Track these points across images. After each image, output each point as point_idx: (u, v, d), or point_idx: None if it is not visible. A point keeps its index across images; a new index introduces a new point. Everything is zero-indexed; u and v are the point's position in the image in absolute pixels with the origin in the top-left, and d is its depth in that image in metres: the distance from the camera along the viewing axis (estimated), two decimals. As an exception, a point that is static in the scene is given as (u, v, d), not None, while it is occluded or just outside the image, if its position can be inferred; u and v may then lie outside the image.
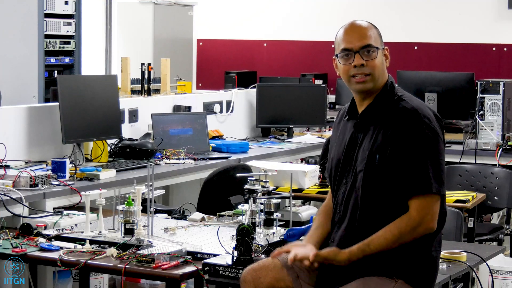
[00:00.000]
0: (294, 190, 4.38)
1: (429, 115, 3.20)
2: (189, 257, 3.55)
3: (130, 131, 5.88)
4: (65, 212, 4.28)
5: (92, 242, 3.78)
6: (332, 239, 3.31)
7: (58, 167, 4.73)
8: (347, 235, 3.24)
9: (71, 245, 3.77)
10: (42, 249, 3.76)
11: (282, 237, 3.77)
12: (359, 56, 3.23)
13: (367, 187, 3.18)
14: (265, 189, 3.86)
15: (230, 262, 3.42)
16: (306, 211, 5.13)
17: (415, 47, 8.72)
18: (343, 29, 3.29)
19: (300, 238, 3.76)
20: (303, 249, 3.25)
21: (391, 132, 3.17)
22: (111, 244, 3.72)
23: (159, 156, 5.60)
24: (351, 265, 3.18)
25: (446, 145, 6.60)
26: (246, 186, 3.83)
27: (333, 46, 3.35)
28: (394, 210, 3.15)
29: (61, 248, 3.75)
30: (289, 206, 4.07)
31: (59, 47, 7.70)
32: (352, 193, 3.23)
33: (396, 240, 3.12)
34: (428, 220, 3.13)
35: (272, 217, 3.84)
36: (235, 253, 3.41)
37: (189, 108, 6.43)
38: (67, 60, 7.79)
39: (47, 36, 7.51)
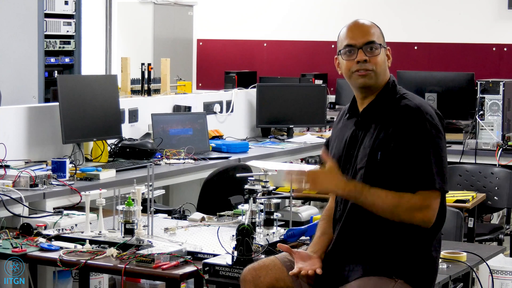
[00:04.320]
0: (294, 190, 4.38)
1: (431, 112, 3.20)
2: (189, 257, 3.55)
3: (130, 131, 5.88)
4: (65, 212, 4.28)
5: (92, 242, 3.78)
6: (335, 236, 3.31)
7: (58, 167, 4.74)
8: (346, 230, 3.24)
9: (71, 245, 3.77)
10: (42, 249, 3.76)
11: (282, 237, 3.77)
12: (362, 52, 3.24)
13: (367, 183, 3.17)
14: (265, 189, 3.86)
15: (230, 262, 3.42)
16: (306, 211, 5.14)
17: (415, 47, 8.72)
18: (346, 27, 3.31)
19: (301, 238, 3.76)
20: (308, 263, 3.24)
21: (393, 129, 3.17)
22: (111, 244, 3.73)
23: (159, 156, 5.60)
24: (350, 265, 3.19)
25: (447, 145, 6.60)
26: (246, 186, 3.83)
27: (333, 46, 3.36)
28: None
29: (61, 248, 3.75)
30: (289, 206, 4.07)
31: (59, 47, 7.70)
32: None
33: (391, 205, 3.09)
34: (428, 212, 3.11)
35: (272, 217, 3.84)
36: (235, 253, 3.41)
37: (189, 108, 6.43)
38: (67, 60, 7.80)
39: (47, 36, 7.51)
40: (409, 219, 3.12)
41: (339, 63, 3.32)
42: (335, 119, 3.52)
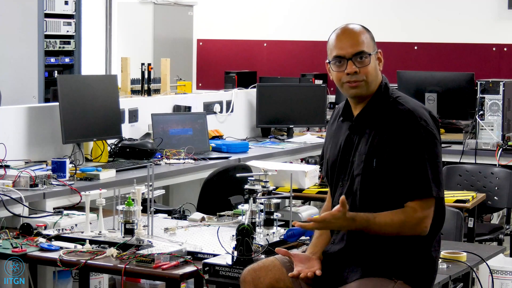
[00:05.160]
0: (294, 190, 4.38)
1: (426, 116, 3.18)
2: (189, 257, 3.56)
3: (130, 131, 5.89)
4: (65, 212, 4.28)
5: (92, 242, 3.78)
6: (333, 240, 3.31)
7: (58, 167, 4.74)
8: (348, 237, 3.23)
9: (71, 245, 3.77)
10: (42, 249, 3.76)
11: (282, 237, 3.77)
12: (351, 63, 3.21)
13: (365, 190, 3.17)
14: (265, 189, 3.86)
15: (230, 262, 3.42)
16: (306, 211, 5.12)
17: (415, 47, 8.72)
18: (335, 34, 3.27)
19: (301, 238, 3.76)
20: (307, 265, 3.24)
21: (387, 136, 3.16)
22: (111, 244, 3.73)
23: (159, 156, 5.60)
24: (350, 266, 3.19)
25: (446, 145, 6.61)
26: (246, 186, 3.83)
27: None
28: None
29: (61, 248, 3.75)
30: (289, 206, 4.07)
31: (59, 47, 7.70)
32: (349, 196, 3.21)
33: (398, 226, 3.10)
34: (426, 222, 3.13)
35: (272, 217, 3.84)
36: (235, 253, 3.41)
37: (189, 108, 6.43)
38: (67, 60, 7.80)
39: (47, 36, 7.51)
40: (411, 234, 3.13)
41: (330, 70, 3.30)
42: (329, 119, 3.51)
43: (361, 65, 3.21)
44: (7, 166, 4.68)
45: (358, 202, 3.19)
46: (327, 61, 3.28)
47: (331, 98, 8.52)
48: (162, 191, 4.22)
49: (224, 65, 9.35)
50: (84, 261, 3.58)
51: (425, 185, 3.11)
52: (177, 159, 5.58)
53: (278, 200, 3.89)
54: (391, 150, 3.14)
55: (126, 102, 5.98)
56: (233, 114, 6.98)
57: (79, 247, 3.74)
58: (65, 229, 4.01)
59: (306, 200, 5.87)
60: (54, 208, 4.42)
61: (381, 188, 3.15)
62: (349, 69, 3.20)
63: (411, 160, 3.11)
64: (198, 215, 4.30)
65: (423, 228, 3.13)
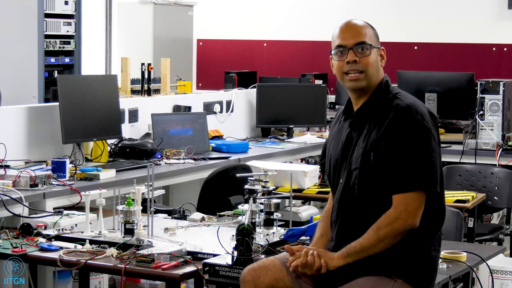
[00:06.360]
0: (294, 190, 4.38)
1: (423, 112, 3.20)
2: (189, 257, 3.56)
3: (130, 131, 5.88)
4: (65, 212, 4.28)
5: (92, 242, 3.78)
6: (331, 238, 3.32)
7: (58, 167, 4.74)
8: (344, 232, 3.24)
9: (71, 245, 3.77)
10: (42, 249, 3.76)
11: (282, 237, 3.77)
12: (352, 52, 3.25)
13: (362, 184, 3.19)
14: (265, 189, 3.86)
15: (230, 262, 3.42)
16: (306, 211, 5.14)
17: (415, 47, 8.72)
18: (339, 28, 3.33)
19: (301, 238, 3.77)
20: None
21: (384, 130, 3.18)
22: (111, 244, 3.73)
23: (159, 156, 5.60)
24: (350, 265, 3.19)
25: (446, 145, 6.61)
26: (246, 186, 3.83)
27: (332, 46, 3.36)
28: (388, 207, 3.14)
29: (61, 248, 3.75)
30: (289, 206, 4.07)
31: (59, 47, 7.71)
32: (347, 191, 3.23)
33: (375, 234, 3.11)
34: (406, 216, 3.11)
35: (272, 217, 3.84)
36: (235, 253, 3.41)
37: (189, 108, 6.43)
38: (67, 60, 7.80)
39: (47, 36, 7.52)
40: (395, 233, 3.12)
41: (333, 64, 3.33)
42: (332, 122, 3.53)
43: (361, 55, 3.25)
44: (7, 166, 4.68)
45: (356, 196, 3.20)
46: (330, 51, 3.31)
47: (331, 98, 8.53)
48: (162, 191, 4.22)
49: (224, 65, 9.36)
50: (84, 261, 3.58)
51: (409, 179, 3.11)
52: (177, 159, 5.58)
53: (278, 200, 3.90)
54: (386, 143, 3.15)
55: (126, 102, 5.98)
56: (233, 114, 6.98)
57: (79, 247, 3.74)
58: (65, 229, 4.01)
59: (306, 200, 5.87)
60: (54, 208, 4.42)
61: (378, 182, 3.16)
62: (350, 57, 3.24)
63: (403, 153, 3.12)
64: (198, 215, 4.30)
65: (403, 224, 3.10)
